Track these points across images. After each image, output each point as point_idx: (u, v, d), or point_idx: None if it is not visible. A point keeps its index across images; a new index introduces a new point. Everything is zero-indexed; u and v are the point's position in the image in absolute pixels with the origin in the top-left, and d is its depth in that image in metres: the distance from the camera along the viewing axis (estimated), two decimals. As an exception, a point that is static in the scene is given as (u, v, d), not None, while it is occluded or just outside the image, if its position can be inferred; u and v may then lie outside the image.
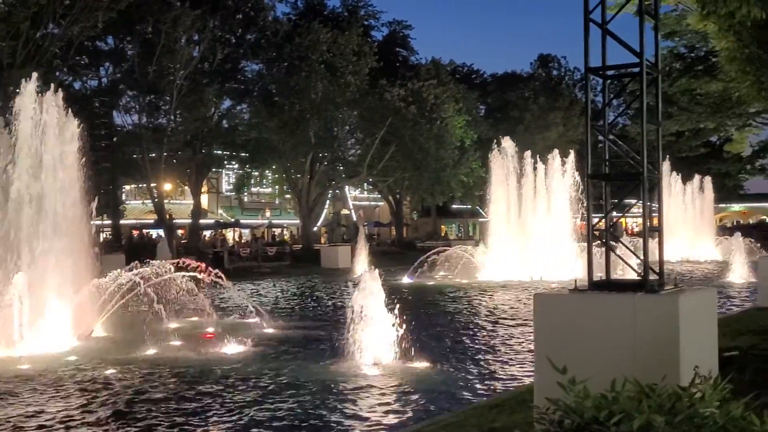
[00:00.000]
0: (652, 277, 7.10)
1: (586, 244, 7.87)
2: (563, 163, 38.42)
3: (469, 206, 74.22)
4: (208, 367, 13.91)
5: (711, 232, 55.14)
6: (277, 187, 62.66)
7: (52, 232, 17.83)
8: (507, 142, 38.12)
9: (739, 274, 31.54)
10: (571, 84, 77.66)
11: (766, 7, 21.19)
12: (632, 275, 7.50)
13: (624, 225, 67.90)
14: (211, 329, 18.13)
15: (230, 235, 67.43)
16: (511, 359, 14.38)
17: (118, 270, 18.67)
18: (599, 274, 7.46)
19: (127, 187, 62.42)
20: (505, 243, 36.53)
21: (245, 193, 65.20)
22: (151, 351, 15.55)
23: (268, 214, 72.66)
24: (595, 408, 3.39)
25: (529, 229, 36.98)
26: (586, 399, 3.47)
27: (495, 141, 38.83)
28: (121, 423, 10.19)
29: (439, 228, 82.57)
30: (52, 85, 18.75)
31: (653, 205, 8.08)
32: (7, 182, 17.73)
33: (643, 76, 7.39)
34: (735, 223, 74.52)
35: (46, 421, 10.34)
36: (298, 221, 61.87)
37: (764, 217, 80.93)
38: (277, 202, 71.65)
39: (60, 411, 10.86)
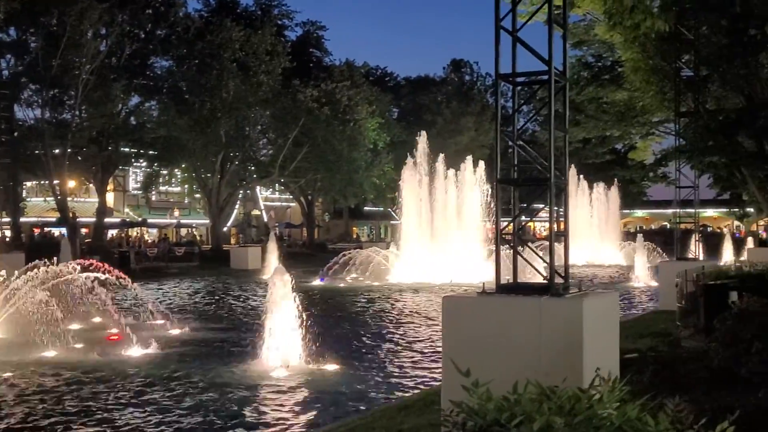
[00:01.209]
0: (558, 280, 7.25)
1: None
2: (474, 168, 39.01)
3: (382, 208, 74.59)
4: (111, 369, 13.55)
5: (616, 237, 56.91)
6: (186, 186, 61.60)
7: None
8: (422, 141, 38.46)
9: (641, 278, 32.63)
10: (482, 89, 78.98)
11: (670, 20, 22.05)
12: (540, 279, 7.65)
13: (533, 229, 69.37)
14: (115, 331, 17.65)
15: (137, 234, 65.89)
16: (420, 361, 14.48)
17: (17, 268, 18.01)
18: (507, 278, 7.58)
19: (29, 183, 60.23)
20: (416, 245, 36.85)
21: (153, 192, 63.88)
22: (51, 353, 15.05)
23: (176, 213, 71.28)
24: (497, 410, 3.44)
25: (440, 232, 37.41)
26: (488, 401, 3.52)
27: (409, 143, 39.18)
28: (13, 423, 9.82)
29: (351, 230, 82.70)
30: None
31: (560, 209, 8.27)
32: None
33: (551, 83, 7.54)
34: (638, 229, 77.04)
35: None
36: (207, 221, 60.97)
37: (665, 223, 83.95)
38: (186, 201, 70.36)
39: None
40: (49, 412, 10.67)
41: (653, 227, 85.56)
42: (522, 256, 7.79)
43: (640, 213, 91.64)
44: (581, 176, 56.01)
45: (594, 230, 55.09)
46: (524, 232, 53.27)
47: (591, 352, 6.41)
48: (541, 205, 8.17)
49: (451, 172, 38.82)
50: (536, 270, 7.72)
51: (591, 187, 57.69)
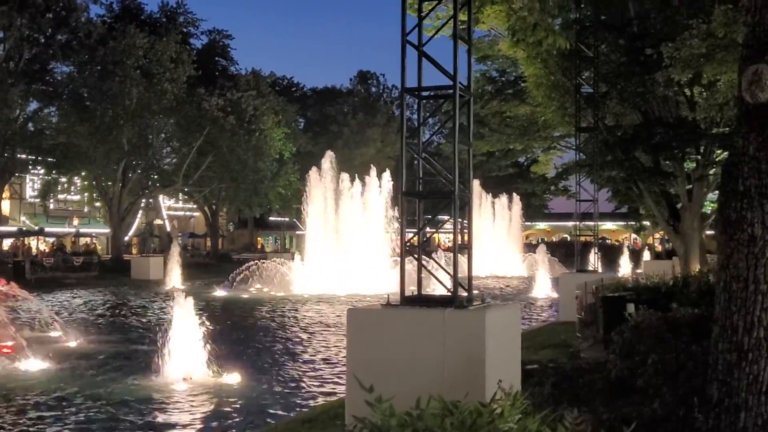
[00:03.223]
0: (462, 293, 7.35)
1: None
2: (379, 180, 39.26)
3: (287, 219, 74.14)
4: (4, 382, 13.01)
5: (518, 249, 58.15)
6: (86, 194, 59.73)
7: None
8: (328, 158, 38.53)
9: (542, 289, 33.38)
10: (389, 101, 79.56)
11: (571, 37, 22.73)
12: (444, 291, 7.74)
13: (437, 241, 70.19)
14: (9, 343, 16.95)
15: (34, 243, 63.52)
16: (325, 373, 14.43)
17: None
18: (412, 289, 7.64)
19: None
20: (321, 256, 36.79)
21: (51, 200, 61.74)
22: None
23: (75, 222, 69.07)
24: (399, 426, 3.45)
25: (345, 243, 37.46)
26: (391, 417, 3.53)
27: (315, 153, 39.15)
28: None
29: (256, 240, 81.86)
30: None
31: (464, 222, 8.39)
32: None
33: (456, 97, 7.67)
34: (540, 241, 78.90)
35: None
36: (108, 230, 59.29)
37: (566, 235, 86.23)
38: (86, 210, 68.28)
39: None
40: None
41: (554, 239, 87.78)
42: (426, 268, 7.87)
43: (542, 225, 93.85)
44: (485, 189, 57.04)
45: (497, 242, 56.15)
46: (429, 243, 53.89)
47: (493, 365, 6.52)
48: (446, 217, 8.28)
49: (357, 183, 38.96)
50: (440, 282, 7.81)
51: (494, 200, 58.80)
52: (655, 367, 7.52)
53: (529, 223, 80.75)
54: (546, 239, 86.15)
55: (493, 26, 26.28)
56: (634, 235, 78.89)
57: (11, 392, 12.40)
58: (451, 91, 7.77)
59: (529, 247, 61.55)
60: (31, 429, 10.27)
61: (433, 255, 28.76)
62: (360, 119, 70.86)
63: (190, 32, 60.81)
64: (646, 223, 55.45)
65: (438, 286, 7.94)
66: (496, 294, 33.50)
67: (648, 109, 24.90)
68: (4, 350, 16.33)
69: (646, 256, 50.92)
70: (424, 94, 8.38)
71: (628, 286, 16.19)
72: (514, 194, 61.47)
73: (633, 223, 68.17)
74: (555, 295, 28.26)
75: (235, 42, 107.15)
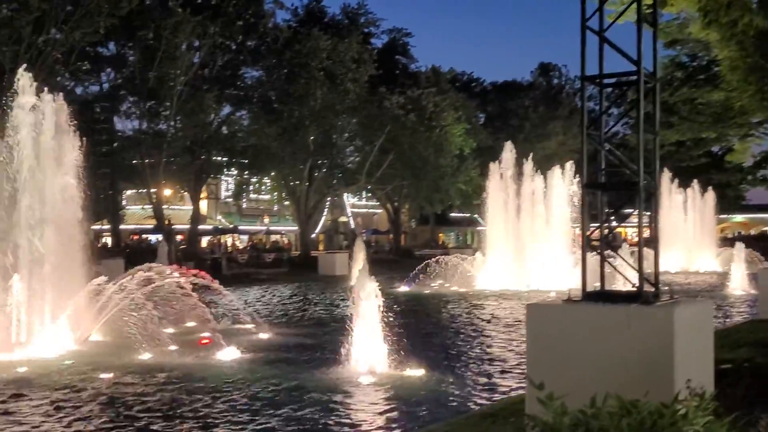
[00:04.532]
0: (648, 288, 7.04)
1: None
2: (562, 173, 38.39)
3: (468, 215, 74.19)
4: (204, 372, 13.86)
5: (712, 243, 55.00)
6: (275, 193, 62.63)
7: (51, 237, 17.80)
8: (508, 150, 38.12)
9: (740, 285, 31.44)
10: (571, 93, 77.69)
11: (768, 16, 21.22)
12: (629, 287, 7.45)
13: (624, 235, 67.84)
14: (207, 335, 18.05)
15: (228, 241, 67.33)
16: (507, 369, 14.30)
17: (117, 274, 18.65)
18: (596, 285, 7.41)
19: (127, 192, 62.37)
20: (502, 252, 36.44)
21: (244, 200, 65.17)
22: (147, 356, 15.50)
23: (266, 220, 72.59)
24: (572, 425, 3.31)
25: (527, 239, 36.91)
26: (564, 415, 3.40)
27: (496, 149, 38.87)
28: (111, 426, 10.13)
29: (437, 236, 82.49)
30: (46, 89, 18.68)
31: (650, 214, 8.04)
32: (5, 186, 17.68)
33: (640, 84, 7.36)
34: (736, 234, 74.30)
35: (39, 425, 10.29)
36: (296, 228, 61.81)
37: (766, 228, 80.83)
38: (275, 208, 71.56)
39: (53, 416, 10.81)
40: (143, 412, 10.98)
41: (753, 232, 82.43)
42: (610, 263, 7.61)
43: (738, 218, 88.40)
44: (675, 180, 54.44)
45: (688, 236, 53.36)
46: (615, 238, 52.15)
47: (682, 364, 6.19)
48: (632, 211, 7.96)
49: (538, 177, 38.29)
50: (624, 277, 7.53)
51: (685, 192, 55.98)
52: None
53: (724, 216, 76.28)
54: (743, 232, 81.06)
55: (683, 8, 25.02)
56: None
57: (209, 380, 13.17)
58: (634, 77, 7.46)
59: (724, 241, 58.11)
60: (225, 414, 10.86)
61: (619, 250, 27.80)
62: (541, 112, 69.72)
63: (371, 32, 62.21)
64: None
65: (623, 282, 7.65)
66: (687, 290, 31.89)
67: None
68: (203, 341, 17.41)
69: None
70: (607, 81, 8.10)
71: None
72: (707, 185, 58.23)
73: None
74: (754, 291, 26.55)
75: (414, 40, 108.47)
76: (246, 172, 57.21)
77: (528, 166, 38.09)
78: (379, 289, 14.26)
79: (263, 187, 62.56)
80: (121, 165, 49.16)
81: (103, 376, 13.54)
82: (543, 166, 39.20)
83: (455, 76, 71.20)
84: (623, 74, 7.72)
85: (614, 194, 8.98)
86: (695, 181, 57.06)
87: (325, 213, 69.34)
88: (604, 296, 7.07)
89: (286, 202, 62.58)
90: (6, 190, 17.61)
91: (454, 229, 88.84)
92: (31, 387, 12.75)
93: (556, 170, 38.64)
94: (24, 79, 18.29)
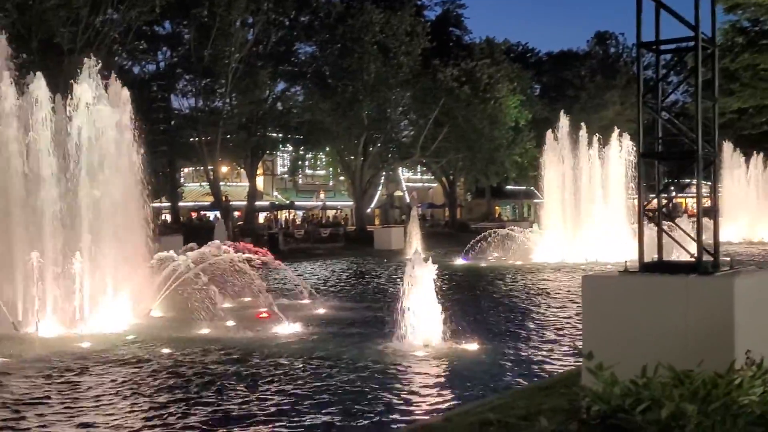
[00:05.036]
0: (707, 258, 6.91)
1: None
2: (619, 143, 37.79)
3: (524, 187, 73.54)
4: (262, 346, 14.08)
5: (776, 213, 53.61)
6: (330, 169, 62.86)
7: (111, 214, 18.17)
8: (563, 120, 37.64)
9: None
10: (628, 61, 76.00)
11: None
12: (688, 257, 7.31)
13: (684, 205, 66.58)
14: (264, 309, 18.30)
15: (285, 216, 67.98)
16: (564, 342, 14.22)
17: (176, 251, 19.00)
18: (653, 256, 7.29)
19: (185, 169, 63.30)
20: (560, 224, 36.13)
21: (300, 175, 65.58)
22: (206, 330, 15.79)
23: (322, 195, 73.02)
24: (622, 396, 3.26)
25: (584, 210, 36.50)
26: (614, 385, 3.34)
27: (552, 120, 38.39)
28: (176, 399, 10.37)
29: (494, 209, 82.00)
30: (104, 69, 19.00)
31: (709, 183, 7.87)
32: (66, 165, 18.07)
33: (698, 50, 7.17)
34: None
35: (101, 396, 10.58)
36: (351, 203, 62.06)
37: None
38: (330, 183, 71.94)
39: (116, 388, 11.10)
40: (204, 385, 11.21)
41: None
42: (668, 234, 7.48)
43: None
44: (736, 149, 53.10)
45: (751, 206, 52.09)
46: (674, 208, 51.21)
47: (743, 335, 6.07)
48: (690, 180, 7.82)
49: (595, 147, 37.74)
50: (683, 248, 7.39)
51: (747, 160, 54.59)
52: None
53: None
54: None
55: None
56: None
57: (267, 353, 13.38)
58: (692, 43, 7.28)
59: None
60: (285, 387, 11.03)
61: (678, 221, 27.31)
62: (598, 82, 68.50)
63: (423, 4, 61.81)
64: None
65: (682, 253, 7.51)
66: (749, 260, 31.21)
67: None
68: (261, 316, 17.67)
69: None
70: (663, 48, 7.92)
71: None
72: (771, 153, 56.62)
73: None
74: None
75: (468, 11, 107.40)
76: (301, 148, 57.54)
77: (584, 136, 37.58)
78: (435, 263, 14.27)
79: (318, 163, 62.84)
80: (179, 143, 49.81)
81: (164, 350, 13.85)
82: (600, 137, 38.61)
83: (510, 47, 70.20)
84: (681, 40, 7.54)
85: (673, 164, 8.80)
86: (759, 149, 55.58)
87: (380, 187, 69.41)
88: (662, 267, 6.95)
89: (342, 177, 62.81)
90: (68, 168, 18.00)
91: (511, 202, 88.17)
92: (94, 361, 13.09)
93: (614, 140, 38.05)
94: (83, 59, 18.64)
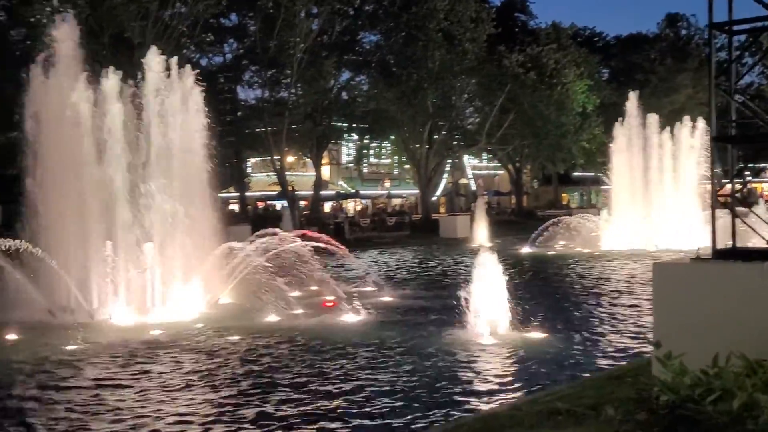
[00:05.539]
0: (784, 245, 6.70)
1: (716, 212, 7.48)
2: (691, 127, 36.86)
3: (592, 174, 72.40)
4: (329, 334, 14.19)
5: None
6: (395, 157, 62.86)
7: (182, 205, 18.52)
8: (632, 101, 36.86)
9: None
10: (700, 43, 74.04)
11: None
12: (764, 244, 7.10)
13: (759, 190, 64.72)
14: (331, 298, 18.44)
15: (350, 205, 68.33)
16: (633, 331, 13.98)
17: (244, 240, 19.27)
18: (727, 243, 7.10)
19: (252, 160, 64.08)
20: (629, 211, 35.45)
21: (365, 164, 65.79)
22: (274, 318, 15.99)
23: (387, 184, 73.14)
24: (691, 386, 3.16)
25: (654, 197, 35.75)
26: (683, 375, 3.25)
27: (620, 105, 37.68)
28: (245, 387, 10.53)
29: (561, 196, 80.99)
30: (175, 60, 19.28)
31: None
32: (138, 157, 18.48)
33: (773, 30, 6.94)
34: None
35: (172, 383, 10.82)
36: (417, 191, 62.01)
37: None
38: (395, 172, 71.98)
39: (187, 375, 11.33)
40: (273, 371, 11.36)
41: None
42: (743, 220, 7.27)
43: None
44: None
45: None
46: (750, 194, 49.79)
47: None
48: (766, 165, 7.57)
49: (666, 132, 36.88)
50: (759, 234, 7.18)
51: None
52: None
53: None
54: None
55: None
56: None
57: (334, 341, 13.48)
58: (767, 23, 7.04)
59: None
60: (352, 374, 11.10)
61: (754, 207, 26.55)
62: (669, 65, 66.89)
63: (488, -10, 61.04)
64: None
65: (758, 240, 7.29)
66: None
67: None
68: (328, 304, 17.81)
69: None
70: (737, 28, 7.67)
71: None
72: None
73: None
74: None
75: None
76: (366, 137, 57.70)
77: (655, 120, 36.77)
78: (501, 251, 14.18)
79: (383, 151, 62.91)
80: (245, 134, 50.43)
81: (232, 338, 14.08)
82: (671, 121, 37.74)
83: (577, 31, 69.02)
84: (755, 20, 7.30)
85: (748, 148, 8.54)
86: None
87: (445, 175, 69.19)
88: (736, 254, 6.76)
89: (407, 166, 62.79)
90: (140, 160, 18.40)
91: (578, 189, 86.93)
92: (165, 348, 13.38)
93: (685, 124, 37.14)
94: (153, 53, 19.01)
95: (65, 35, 18.82)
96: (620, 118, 37.12)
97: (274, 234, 19.56)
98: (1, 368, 12.07)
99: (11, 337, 14.42)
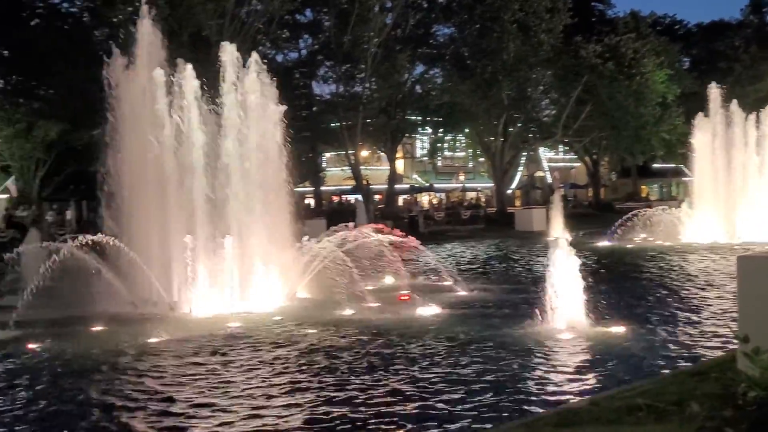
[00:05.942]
0: None
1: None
2: (779, 115, 35.60)
3: (672, 165, 70.73)
4: (404, 327, 14.23)
5: None
6: (470, 150, 62.60)
7: (260, 199, 18.82)
8: (714, 91, 35.83)
9: None
10: (788, 29, 71.52)
11: None
12: None
13: None
14: (406, 291, 18.48)
15: (425, 199, 68.35)
16: (716, 325, 13.62)
17: (320, 234, 19.48)
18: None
19: (327, 154, 64.71)
20: (711, 203, 34.49)
21: (439, 158, 65.69)
22: (349, 311, 16.11)
23: (461, 177, 72.89)
24: None
25: (738, 188, 34.69)
26: (771, 370, 3.15)
27: (702, 94, 36.66)
28: (324, 379, 10.65)
29: (640, 188, 79.36)
30: (252, 56, 19.55)
31: None
32: (217, 151, 18.83)
33: None
34: None
35: (252, 375, 11.02)
36: (491, 184, 61.64)
37: None
38: (470, 165, 71.71)
39: (266, 367, 11.52)
40: (350, 363, 11.46)
41: None
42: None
43: None
44: None
45: None
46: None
47: None
48: None
49: (751, 121, 35.71)
50: None
51: None
52: None
53: None
54: None
55: None
56: None
57: (410, 335, 13.51)
58: None
59: None
60: (429, 368, 11.11)
61: None
62: (753, 52, 64.79)
63: (565, -21, 60.16)
64: None
65: None
66: None
67: None
68: (403, 297, 17.86)
69: None
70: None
71: None
72: None
73: None
74: None
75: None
76: (440, 130, 57.61)
77: (739, 110, 35.65)
78: (578, 244, 13.97)
79: (458, 145, 62.69)
80: (320, 128, 50.99)
81: (310, 330, 14.24)
82: (756, 109, 36.55)
83: (656, 19, 67.44)
84: None
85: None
86: None
87: (520, 168, 68.66)
88: (826, 247, 6.53)
89: (481, 159, 62.52)
90: (219, 154, 18.74)
91: (658, 181, 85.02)
92: (245, 341, 13.61)
93: (771, 113, 35.91)
94: (229, 50, 19.32)
95: (146, 35, 19.33)
96: (703, 109, 36.11)
97: (349, 228, 19.70)
98: (84, 356, 12.52)
99: (97, 328, 14.90)
